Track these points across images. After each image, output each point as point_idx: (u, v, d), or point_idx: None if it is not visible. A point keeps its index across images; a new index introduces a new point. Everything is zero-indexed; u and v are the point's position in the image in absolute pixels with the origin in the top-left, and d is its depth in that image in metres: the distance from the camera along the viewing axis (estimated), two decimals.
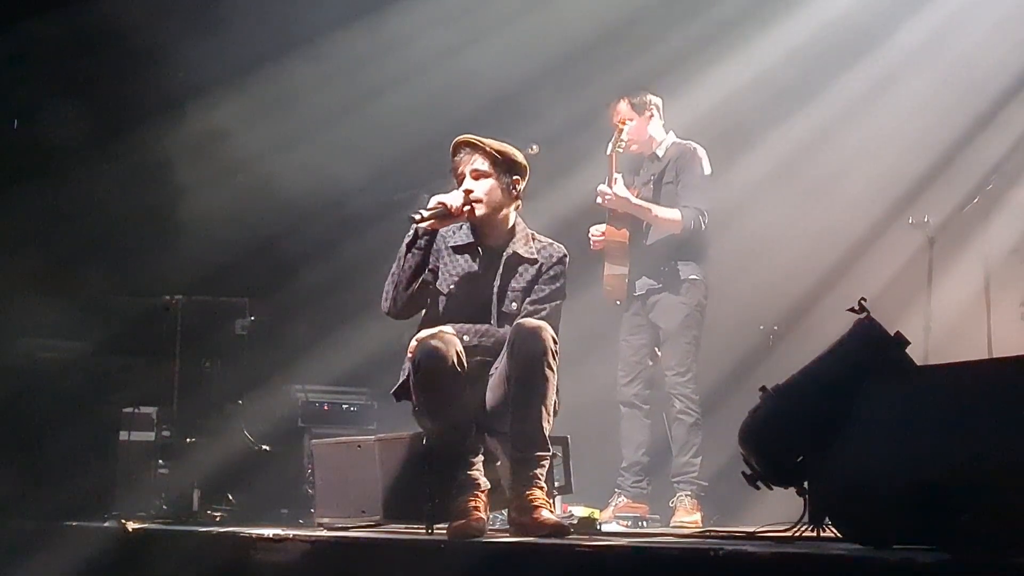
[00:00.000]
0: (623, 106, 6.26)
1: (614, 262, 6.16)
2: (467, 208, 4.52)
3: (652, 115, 6.28)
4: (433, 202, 4.50)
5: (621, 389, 6.22)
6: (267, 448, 6.95)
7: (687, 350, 6.09)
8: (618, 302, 6.23)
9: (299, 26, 7.59)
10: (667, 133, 6.33)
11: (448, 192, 4.57)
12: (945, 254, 6.36)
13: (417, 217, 4.45)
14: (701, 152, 6.22)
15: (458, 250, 4.63)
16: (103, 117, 7.30)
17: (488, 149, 4.57)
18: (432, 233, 4.56)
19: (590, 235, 6.20)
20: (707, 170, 6.19)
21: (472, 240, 4.64)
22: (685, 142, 6.28)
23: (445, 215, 4.49)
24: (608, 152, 6.13)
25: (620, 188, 6.06)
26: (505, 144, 4.66)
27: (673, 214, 6.06)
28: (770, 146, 7.24)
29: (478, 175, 4.56)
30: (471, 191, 4.54)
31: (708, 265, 6.23)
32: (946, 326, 6.16)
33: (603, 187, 6.07)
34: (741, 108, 7.23)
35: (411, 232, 4.53)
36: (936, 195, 6.70)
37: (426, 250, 4.56)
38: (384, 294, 4.59)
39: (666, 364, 6.13)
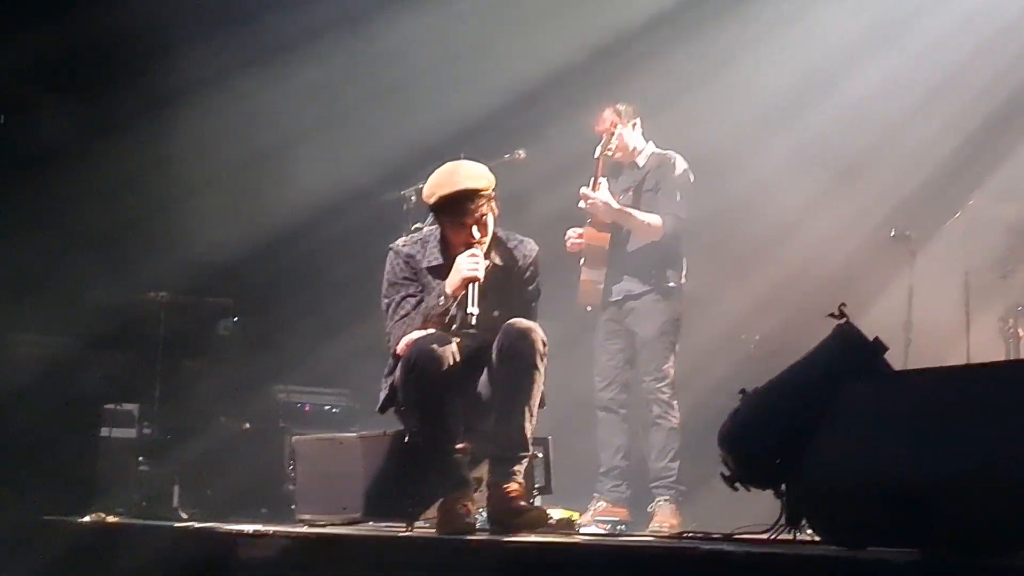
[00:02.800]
0: (608, 114, 6.27)
1: (592, 266, 6.19)
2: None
3: (635, 124, 6.31)
4: (456, 281, 4.39)
5: (598, 394, 6.24)
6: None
7: (664, 356, 6.10)
8: (588, 308, 6.29)
9: (291, 31, 7.61)
10: (647, 143, 6.37)
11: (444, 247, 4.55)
12: (927, 267, 6.42)
13: (475, 315, 4.34)
14: (681, 161, 6.25)
15: (433, 271, 4.58)
16: (93, 113, 7.29)
17: (490, 195, 4.46)
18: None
19: (567, 237, 6.23)
20: (688, 178, 6.22)
21: (445, 261, 4.55)
22: (665, 152, 6.32)
23: None
24: (596, 155, 6.15)
25: (604, 192, 6.09)
26: (480, 166, 4.56)
27: (654, 219, 6.10)
28: (754, 158, 7.31)
29: (484, 218, 4.47)
30: (480, 241, 4.47)
31: (687, 274, 6.27)
32: (926, 339, 6.21)
33: (586, 190, 6.09)
34: (726, 123, 7.29)
35: (442, 300, 4.44)
36: (918, 208, 6.78)
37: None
38: (394, 338, 4.54)
39: (644, 370, 6.14)
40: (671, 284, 6.18)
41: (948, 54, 7.00)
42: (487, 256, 4.51)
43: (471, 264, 4.39)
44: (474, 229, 4.44)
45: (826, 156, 7.24)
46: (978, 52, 6.93)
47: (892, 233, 6.39)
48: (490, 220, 4.50)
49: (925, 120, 7.09)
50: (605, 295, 6.22)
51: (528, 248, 4.68)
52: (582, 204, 6.12)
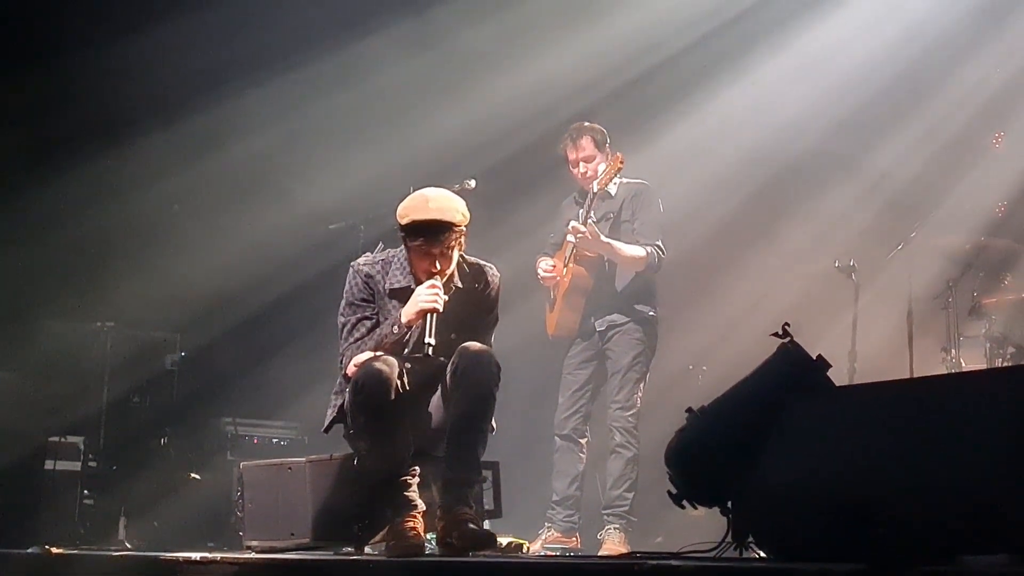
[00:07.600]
0: (586, 142, 6.16)
1: (573, 298, 6.12)
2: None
3: (608, 153, 6.19)
4: (412, 312, 4.38)
5: (560, 421, 6.15)
6: (196, 476, 6.90)
7: (635, 385, 6.06)
8: (554, 337, 6.25)
9: (242, 57, 7.61)
10: None
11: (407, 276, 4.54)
12: (870, 298, 6.53)
13: (432, 345, 4.34)
14: (654, 190, 6.22)
15: (395, 293, 4.55)
16: (43, 144, 7.26)
17: (462, 230, 4.44)
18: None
19: (540, 270, 6.21)
20: (661, 208, 6.20)
21: (410, 284, 4.53)
22: (636, 181, 6.25)
23: None
24: (595, 190, 6.03)
25: (593, 226, 5.97)
26: (458, 200, 4.52)
27: (638, 251, 6.03)
28: (703, 194, 7.41)
29: (450, 252, 4.46)
30: (441, 272, 4.45)
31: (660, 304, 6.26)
32: (870, 368, 6.30)
33: (576, 224, 5.98)
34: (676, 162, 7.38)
35: (396, 329, 4.43)
36: (862, 240, 6.91)
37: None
38: (346, 359, 4.52)
39: (611, 396, 6.08)
40: (651, 313, 6.16)
41: (898, 94, 7.20)
42: (449, 279, 4.51)
43: (429, 295, 4.39)
44: (438, 261, 4.43)
45: (773, 190, 7.36)
46: (926, 93, 7.12)
47: (836, 264, 6.49)
48: (455, 254, 4.49)
49: (871, 156, 7.26)
50: (583, 326, 6.15)
51: (490, 274, 4.68)
52: (570, 238, 6.03)
